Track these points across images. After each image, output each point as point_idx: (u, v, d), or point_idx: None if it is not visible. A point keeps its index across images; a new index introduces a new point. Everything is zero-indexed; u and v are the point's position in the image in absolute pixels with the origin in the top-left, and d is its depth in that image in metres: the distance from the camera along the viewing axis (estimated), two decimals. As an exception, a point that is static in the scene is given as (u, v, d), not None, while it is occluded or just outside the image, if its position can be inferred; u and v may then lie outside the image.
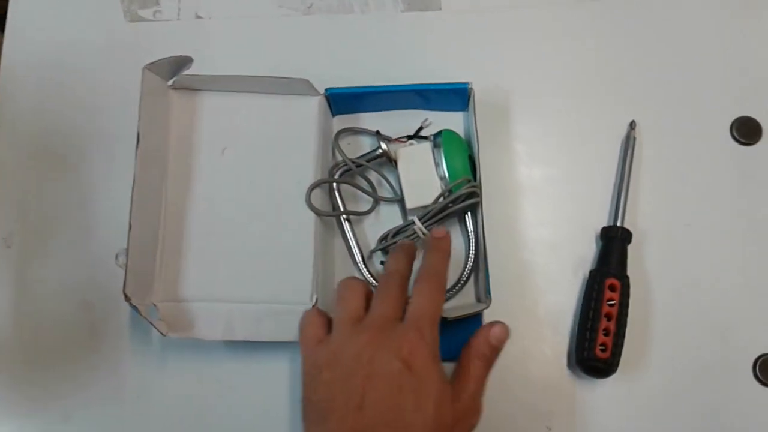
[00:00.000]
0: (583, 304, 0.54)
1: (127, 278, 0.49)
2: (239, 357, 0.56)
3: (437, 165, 0.56)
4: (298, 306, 0.52)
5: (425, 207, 0.56)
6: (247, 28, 0.64)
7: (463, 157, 0.56)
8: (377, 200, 0.58)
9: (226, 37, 0.64)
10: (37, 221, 0.60)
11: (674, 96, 0.60)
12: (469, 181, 0.55)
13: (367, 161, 0.57)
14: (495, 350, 0.48)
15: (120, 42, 0.64)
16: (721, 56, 0.61)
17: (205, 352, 0.56)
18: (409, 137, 0.59)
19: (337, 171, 0.57)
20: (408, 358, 0.44)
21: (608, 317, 0.52)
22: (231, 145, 0.57)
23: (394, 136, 0.58)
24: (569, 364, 0.55)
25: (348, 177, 0.58)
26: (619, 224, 0.55)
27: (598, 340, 0.52)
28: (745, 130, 0.59)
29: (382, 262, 0.57)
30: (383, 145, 0.57)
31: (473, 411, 0.46)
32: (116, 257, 0.58)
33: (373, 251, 0.57)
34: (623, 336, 0.52)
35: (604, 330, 0.52)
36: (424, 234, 0.55)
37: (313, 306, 0.53)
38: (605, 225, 0.57)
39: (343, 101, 0.59)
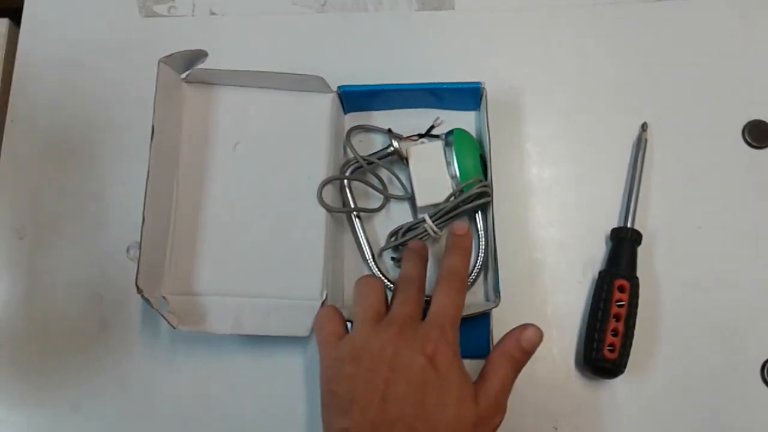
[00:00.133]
0: (592, 305, 0.54)
1: (139, 271, 0.49)
2: (248, 351, 0.56)
3: (448, 164, 0.56)
4: (307, 302, 0.53)
5: (436, 205, 0.56)
6: (261, 25, 0.64)
7: (475, 157, 0.56)
8: (388, 198, 0.58)
9: (240, 34, 0.64)
10: (50, 213, 0.61)
11: (686, 98, 0.60)
12: (481, 180, 0.55)
13: (379, 159, 0.57)
14: (525, 353, 0.48)
15: (134, 37, 0.65)
16: (733, 59, 0.61)
17: (214, 346, 0.56)
18: (421, 136, 0.59)
19: (348, 168, 0.58)
20: (432, 356, 0.44)
21: (617, 318, 0.52)
22: (243, 140, 0.57)
23: (405, 135, 0.59)
24: (577, 365, 0.55)
25: (359, 174, 0.58)
26: (629, 225, 0.55)
27: (606, 341, 0.52)
28: (757, 134, 0.59)
29: (392, 258, 0.57)
30: (395, 143, 0.57)
31: (496, 410, 0.46)
32: (127, 250, 0.58)
33: (383, 249, 0.57)
34: (632, 337, 0.52)
35: (612, 331, 0.52)
36: (434, 232, 0.55)
37: (323, 302, 0.53)
38: (615, 226, 0.57)
39: (355, 99, 0.59)
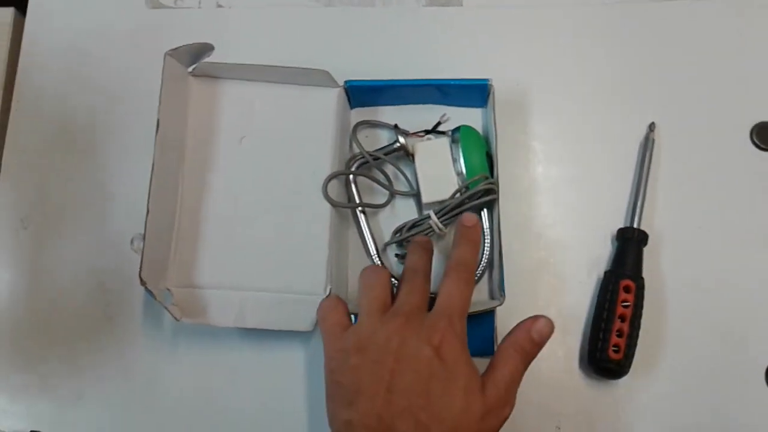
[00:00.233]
0: (597, 305, 0.54)
1: (143, 262, 0.49)
2: (250, 345, 0.56)
3: (455, 161, 0.56)
4: (311, 296, 0.53)
5: (441, 202, 0.55)
6: (268, 18, 0.64)
7: (481, 154, 0.55)
8: (393, 194, 0.58)
9: (246, 27, 0.64)
10: (55, 204, 0.60)
11: (694, 100, 0.60)
12: (487, 177, 0.55)
13: (385, 154, 0.57)
14: (536, 345, 0.47)
15: (140, 29, 0.64)
16: (742, 61, 0.60)
17: (216, 339, 0.56)
18: (427, 132, 0.59)
19: (353, 163, 0.57)
20: (438, 346, 0.44)
21: (622, 318, 0.52)
22: (249, 134, 0.57)
23: (411, 130, 0.58)
24: (581, 364, 0.55)
25: (365, 169, 0.58)
26: (635, 226, 0.55)
27: (611, 341, 0.52)
28: (765, 136, 0.58)
29: (396, 255, 0.57)
30: (401, 139, 0.57)
31: (505, 402, 0.45)
32: (131, 242, 0.58)
33: (387, 244, 0.57)
34: (636, 338, 0.52)
35: (617, 331, 0.52)
36: (440, 229, 0.55)
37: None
38: (621, 226, 0.56)
39: (361, 94, 0.59)
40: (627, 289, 0.53)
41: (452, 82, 0.57)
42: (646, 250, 0.55)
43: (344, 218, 0.58)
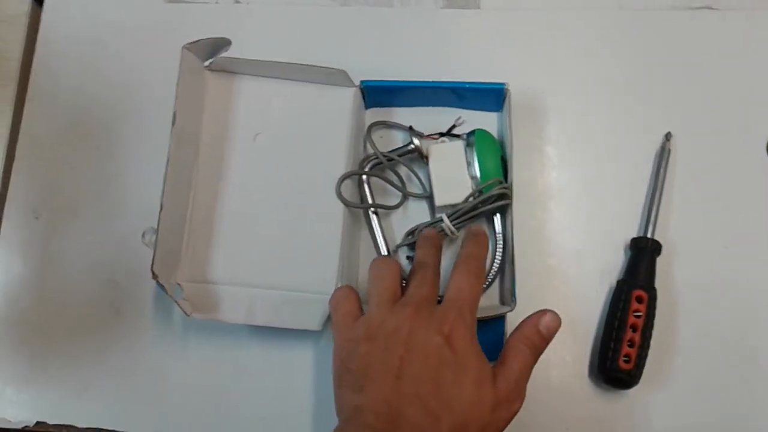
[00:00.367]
0: (608, 314, 0.54)
1: (155, 256, 0.49)
2: (259, 342, 0.56)
3: (469, 164, 0.56)
4: (321, 296, 0.52)
5: (454, 205, 0.55)
6: (285, 16, 0.64)
7: (496, 158, 0.55)
8: (406, 195, 0.58)
9: (263, 24, 0.64)
10: (67, 195, 0.60)
11: (711, 110, 0.59)
12: (501, 182, 0.54)
13: (399, 156, 0.57)
14: (544, 339, 0.47)
15: (157, 22, 0.64)
16: (759, 72, 0.60)
17: (225, 336, 0.56)
18: (442, 134, 0.58)
19: (367, 164, 0.57)
20: (449, 335, 0.44)
21: (634, 328, 0.52)
22: (264, 131, 0.57)
23: (426, 133, 0.58)
24: (590, 373, 0.54)
25: (378, 170, 0.58)
26: (649, 235, 0.55)
27: (622, 351, 0.51)
28: (782, 149, 0.58)
29: (408, 257, 0.57)
30: (415, 141, 0.57)
31: (515, 396, 0.45)
32: (143, 235, 0.58)
33: (398, 245, 0.57)
34: (648, 348, 0.52)
35: (628, 341, 0.52)
36: (452, 232, 0.54)
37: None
38: (635, 235, 0.56)
39: (377, 94, 0.59)
40: (639, 300, 0.52)
41: (468, 85, 0.57)
42: (659, 260, 0.55)
43: (356, 218, 0.58)
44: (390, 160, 0.57)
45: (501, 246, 0.55)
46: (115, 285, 0.58)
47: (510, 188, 0.54)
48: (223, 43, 0.55)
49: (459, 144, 0.57)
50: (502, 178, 0.55)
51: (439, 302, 0.47)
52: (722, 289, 0.56)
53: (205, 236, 0.55)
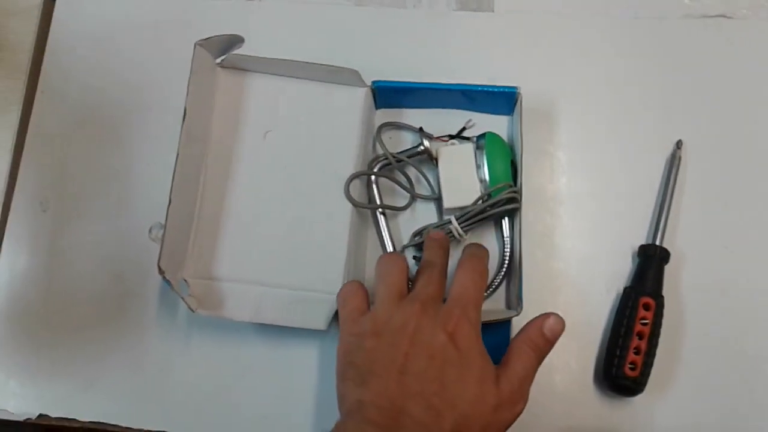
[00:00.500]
0: (615, 321, 0.54)
1: (162, 252, 0.49)
2: (263, 340, 0.56)
3: (478, 167, 0.55)
4: (327, 295, 0.52)
5: (462, 208, 0.55)
6: (298, 14, 0.64)
7: (506, 162, 0.55)
8: (414, 197, 0.58)
9: (275, 21, 0.63)
10: (74, 188, 0.60)
11: (723, 119, 0.59)
12: (510, 186, 0.54)
13: (408, 157, 0.57)
14: (548, 342, 0.47)
15: (169, 19, 0.64)
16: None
17: (230, 333, 0.56)
18: (452, 137, 0.58)
19: (376, 164, 0.57)
20: (453, 333, 0.44)
21: (640, 336, 0.52)
22: (274, 129, 0.57)
23: (436, 134, 0.58)
24: (595, 380, 0.54)
25: (387, 171, 0.58)
26: (657, 243, 0.55)
27: (628, 358, 0.51)
28: (794, 159, 0.58)
29: (414, 257, 0.57)
30: (425, 142, 0.56)
31: (518, 397, 0.45)
32: (150, 230, 0.58)
33: (405, 246, 0.57)
34: (654, 356, 0.52)
35: (634, 348, 0.51)
36: (459, 235, 0.54)
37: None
38: (643, 242, 0.56)
39: (388, 95, 0.58)
40: (646, 307, 0.52)
41: (480, 88, 0.56)
42: (666, 268, 0.54)
43: (364, 219, 0.58)
44: (399, 161, 0.57)
45: (508, 250, 0.55)
46: (121, 280, 0.58)
47: (519, 192, 0.54)
48: (235, 41, 0.55)
49: (469, 147, 0.56)
50: (511, 182, 0.55)
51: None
52: (730, 299, 0.55)
53: (212, 233, 0.55)
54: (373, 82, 0.57)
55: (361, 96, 0.57)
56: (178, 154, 0.51)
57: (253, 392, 0.55)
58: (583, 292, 0.56)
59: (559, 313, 0.54)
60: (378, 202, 0.57)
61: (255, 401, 0.55)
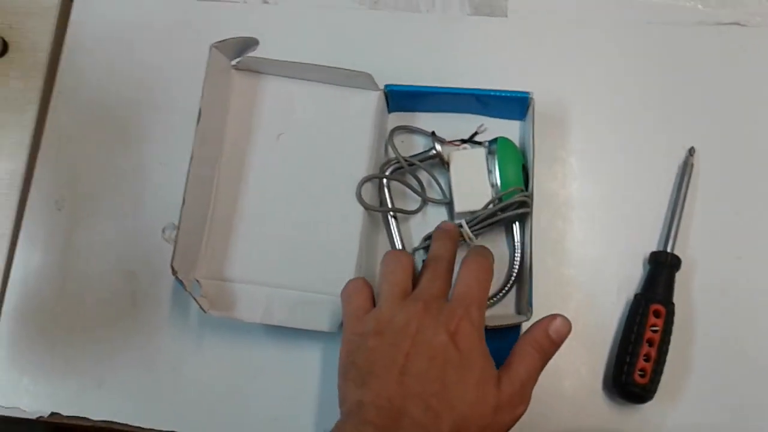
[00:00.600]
0: (625, 328, 0.54)
1: (175, 252, 0.49)
2: (273, 342, 0.56)
3: (490, 172, 0.56)
4: (338, 298, 0.52)
5: (473, 212, 0.55)
6: (312, 17, 0.64)
7: (517, 167, 0.55)
8: (425, 200, 0.58)
9: (289, 24, 0.64)
10: (89, 188, 0.61)
11: (736, 127, 0.59)
12: (522, 190, 0.54)
13: (420, 161, 0.57)
14: (553, 344, 0.47)
15: (185, 21, 0.65)
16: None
17: (240, 334, 0.56)
18: (464, 141, 0.58)
19: (388, 167, 0.57)
20: (455, 334, 0.44)
21: (650, 343, 0.51)
22: (287, 131, 0.57)
23: (448, 139, 0.58)
24: (605, 386, 0.54)
25: (399, 175, 0.58)
26: (669, 250, 0.54)
27: (637, 365, 0.51)
28: (807, 168, 0.57)
29: (424, 261, 0.57)
30: (437, 147, 0.57)
31: (520, 400, 0.45)
32: (163, 231, 0.58)
33: (416, 249, 0.57)
34: (663, 363, 0.51)
35: (644, 355, 0.51)
36: (470, 239, 0.54)
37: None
38: (654, 249, 0.56)
39: (400, 99, 0.59)
40: (657, 314, 0.52)
41: (492, 93, 0.57)
42: (678, 275, 0.54)
43: (375, 222, 0.58)
44: (411, 164, 0.57)
45: (519, 255, 0.55)
46: (133, 279, 0.58)
47: (530, 197, 0.54)
48: (250, 43, 0.55)
49: (480, 151, 0.57)
50: (522, 187, 0.55)
51: None
52: (741, 307, 0.55)
53: (225, 234, 0.55)
54: (386, 86, 0.57)
55: (373, 99, 0.57)
56: (192, 155, 0.51)
57: (263, 393, 0.56)
58: (594, 298, 0.56)
59: (570, 319, 0.54)
60: (389, 206, 0.57)
61: (265, 402, 0.55)
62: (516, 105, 0.57)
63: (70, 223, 0.60)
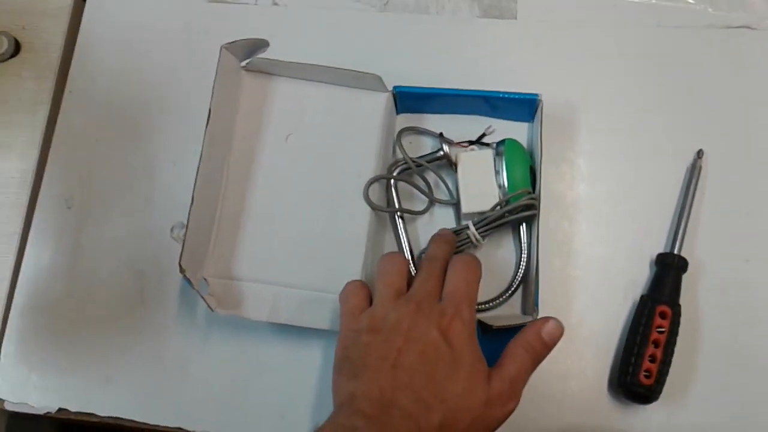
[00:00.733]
0: (631, 328, 0.54)
1: (183, 251, 0.50)
2: (280, 340, 0.56)
3: (497, 173, 0.56)
4: (344, 297, 0.53)
5: (480, 213, 0.55)
6: (322, 19, 0.64)
7: (525, 168, 0.55)
8: (433, 201, 0.58)
9: (300, 26, 0.64)
10: (99, 186, 0.62)
11: (744, 129, 0.59)
12: (529, 192, 0.55)
13: (428, 162, 0.57)
14: (545, 346, 0.47)
15: (196, 22, 0.65)
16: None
17: (247, 332, 0.57)
18: (471, 142, 0.59)
19: (396, 168, 0.57)
20: (446, 331, 0.45)
21: (656, 344, 0.52)
22: (296, 132, 0.57)
23: (456, 140, 0.58)
24: (610, 387, 0.54)
25: (406, 175, 0.58)
26: (676, 252, 0.54)
27: (643, 366, 0.51)
28: (815, 171, 0.57)
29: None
30: (445, 148, 0.57)
31: (510, 397, 0.46)
32: (171, 230, 0.59)
33: (423, 251, 0.57)
34: (669, 364, 0.52)
35: (650, 356, 0.51)
36: (477, 240, 0.55)
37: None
38: (661, 251, 0.56)
39: (409, 100, 0.59)
40: (663, 315, 0.52)
41: (501, 95, 0.57)
42: (684, 277, 0.54)
43: (382, 222, 0.58)
44: (419, 165, 0.57)
45: (526, 256, 0.55)
46: (142, 277, 0.59)
47: (537, 199, 0.54)
48: (261, 44, 0.56)
49: (488, 153, 0.57)
50: (530, 189, 0.55)
51: None
52: (748, 309, 0.55)
53: (233, 233, 0.55)
54: (395, 87, 0.57)
55: (382, 101, 0.57)
56: (201, 155, 0.52)
57: (270, 391, 0.56)
58: (600, 299, 0.56)
59: (576, 320, 0.54)
60: (397, 206, 0.57)
61: (272, 400, 0.56)
62: (524, 107, 0.58)
63: (79, 222, 0.61)
